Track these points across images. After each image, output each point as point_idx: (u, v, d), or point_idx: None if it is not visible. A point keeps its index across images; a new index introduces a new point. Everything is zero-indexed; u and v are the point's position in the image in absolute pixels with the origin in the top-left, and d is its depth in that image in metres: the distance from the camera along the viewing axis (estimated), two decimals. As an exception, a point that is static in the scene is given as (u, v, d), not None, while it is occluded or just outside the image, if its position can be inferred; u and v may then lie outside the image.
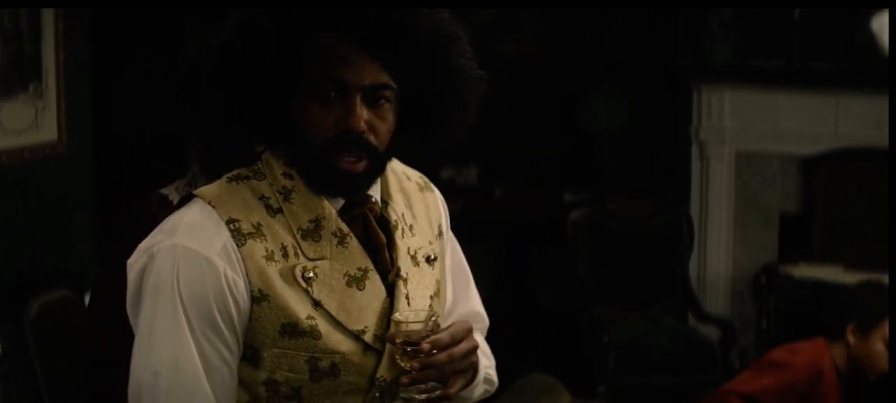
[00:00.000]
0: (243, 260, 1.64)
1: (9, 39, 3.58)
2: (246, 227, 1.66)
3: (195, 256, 1.63)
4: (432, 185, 1.92)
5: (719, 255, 5.43)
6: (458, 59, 1.74)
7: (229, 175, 1.73)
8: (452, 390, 1.70)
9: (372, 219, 1.75)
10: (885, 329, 3.45)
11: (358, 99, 1.66)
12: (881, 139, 5.03)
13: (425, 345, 1.64)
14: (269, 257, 1.65)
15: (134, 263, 1.68)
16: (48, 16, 3.72)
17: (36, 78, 3.70)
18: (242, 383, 1.68)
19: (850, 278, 4.96)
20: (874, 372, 3.49)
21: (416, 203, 1.85)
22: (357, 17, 1.66)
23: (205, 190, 1.71)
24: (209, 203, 1.67)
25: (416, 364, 1.64)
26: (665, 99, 5.59)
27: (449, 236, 1.93)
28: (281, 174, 1.71)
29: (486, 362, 1.85)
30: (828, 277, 5.03)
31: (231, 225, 1.65)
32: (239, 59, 1.67)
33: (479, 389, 1.82)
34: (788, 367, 3.49)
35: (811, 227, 5.28)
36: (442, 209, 1.92)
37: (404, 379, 1.65)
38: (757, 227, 5.43)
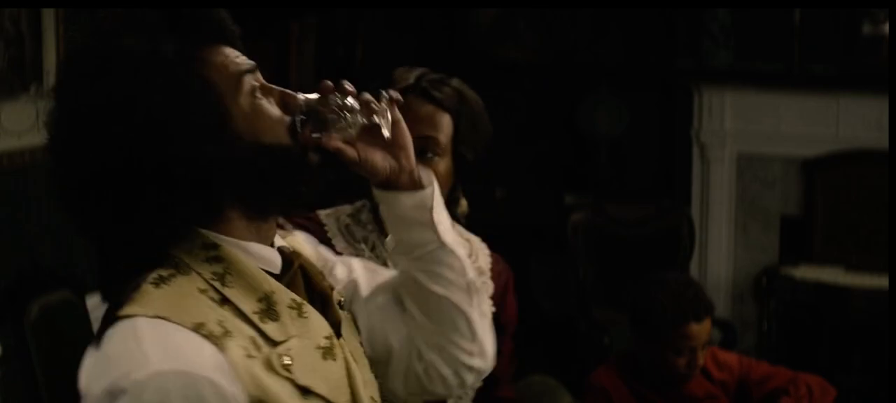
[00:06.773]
0: (233, 368, 1.32)
1: (10, 41, 3.58)
2: (216, 329, 1.33)
3: (193, 379, 1.28)
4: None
5: (720, 257, 5.43)
6: None
7: (148, 280, 1.36)
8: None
9: (311, 273, 1.48)
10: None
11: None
12: (881, 141, 5.03)
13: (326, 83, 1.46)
14: (249, 355, 1.34)
15: None
16: (49, 17, 3.72)
17: (37, 79, 3.69)
18: None
19: (850, 280, 4.97)
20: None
21: (303, 243, 1.62)
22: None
23: (135, 306, 1.34)
24: (156, 315, 1.32)
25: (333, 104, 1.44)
26: (665, 102, 5.60)
27: (337, 260, 1.68)
28: (203, 260, 1.39)
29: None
30: (829, 279, 5.03)
31: (201, 332, 1.32)
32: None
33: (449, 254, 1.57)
34: None
35: (812, 229, 5.28)
36: (311, 244, 1.66)
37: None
38: (758, 229, 5.43)
